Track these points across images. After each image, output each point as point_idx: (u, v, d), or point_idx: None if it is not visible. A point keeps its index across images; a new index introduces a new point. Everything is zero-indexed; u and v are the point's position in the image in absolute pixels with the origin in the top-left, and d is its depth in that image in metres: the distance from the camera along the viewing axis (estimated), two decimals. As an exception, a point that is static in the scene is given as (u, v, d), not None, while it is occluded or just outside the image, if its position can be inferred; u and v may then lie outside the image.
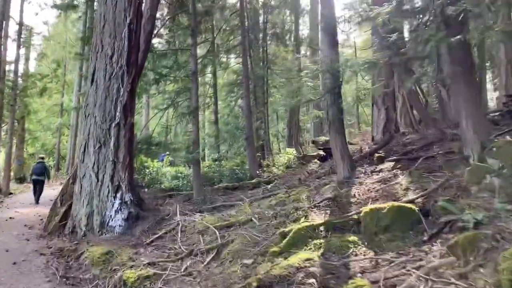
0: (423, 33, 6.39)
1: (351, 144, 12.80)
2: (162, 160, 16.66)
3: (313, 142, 12.68)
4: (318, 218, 6.39)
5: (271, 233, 6.27)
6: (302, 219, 6.47)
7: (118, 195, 8.38)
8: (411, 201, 5.60)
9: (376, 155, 9.29)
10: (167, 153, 16.86)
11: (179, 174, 16.11)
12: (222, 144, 20.00)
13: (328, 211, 6.60)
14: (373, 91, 12.34)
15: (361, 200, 6.60)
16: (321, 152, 16.19)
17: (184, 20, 15.30)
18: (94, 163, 8.42)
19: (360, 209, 5.70)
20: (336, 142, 8.23)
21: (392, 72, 12.65)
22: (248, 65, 17.46)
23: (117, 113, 8.57)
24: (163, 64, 13.84)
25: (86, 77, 14.95)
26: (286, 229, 5.81)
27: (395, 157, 8.55)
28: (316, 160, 14.32)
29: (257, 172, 15.69)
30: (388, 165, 8.22)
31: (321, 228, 5.64)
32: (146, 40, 9.42)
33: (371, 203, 6.16)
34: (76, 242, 7.75)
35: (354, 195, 6.95)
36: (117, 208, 8.27)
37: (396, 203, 5.42)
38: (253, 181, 14.90)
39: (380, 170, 8.02)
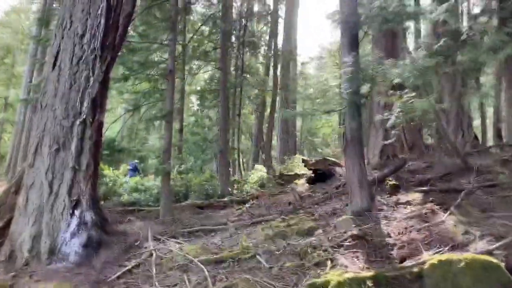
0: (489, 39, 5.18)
1: (340, 166, 11.51)
2: (134, 170, 14.61)
3: (303, 161, 11.28)
4: (350, 263, 4.91)
5: (291, 283, 4.68)
6: (329, 264, 4.96)
7: (77, 212, 6.50)
8: (489, 252, 4.24)
9: (389, 182, 8.01)
10: (137, 161, 14.85)
11: (140, 186, 14.16)
12: (188, 155, 18.22)
13: (360, 255, 5.13)
14: (372, 109, 11.18)
15: (402, 242, 5.19)
16: (307, 172, 14.89)
17: (159, 14, 13.58)
18: (48, 169, 6.51)
19: (420, 259, 4.28)
20: (354, 165, 6.84)
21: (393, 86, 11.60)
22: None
23: (84, 108, 6.74)
24: (135, 60, 12.03)
25: (43, 63, 12.79)
26: (318, 281, 4.28)
27: (424, 188, 7.26)
28: (299, 181, 12.93)
29: (229, 189, 14.07)
30: (414, 196, 6.92)
31: (369, 283, 4.14)
32: (123, 24, 7.66)
33: (422, 248, 4.76)
34: (13, 274, 5.76)
35: (388, 233, 5.54)
36: (74, 229, 6.38)
37: (476, 256, 4.04)
38: (225, 199, 13.33)
39: (407, 203, 6.71)
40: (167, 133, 11.11)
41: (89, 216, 6.58)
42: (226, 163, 14.59)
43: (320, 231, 6.62)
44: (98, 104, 6.95)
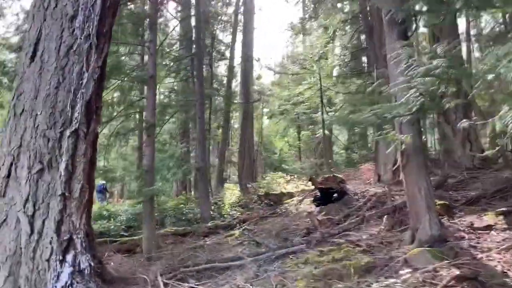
0: None
1: (344, 182, 10.30)
2: (103, 193, 12.40)
3: (310, 179, 9.96)
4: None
5: None
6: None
7: (69, 257, 4.69)
8: None
9: (437, 202, 6.89)
10: (104, 182, 12.72)
11: (104, 213, 12.14)
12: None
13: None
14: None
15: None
16: (294, 191, 13.63)
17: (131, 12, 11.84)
18: (28, 198, 4.68)
19: None
20: (419, 185, 5.61)
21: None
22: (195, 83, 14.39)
23: (76, 114, 4.98)
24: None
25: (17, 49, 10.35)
26: None
27: (503, 209, 6.15)
28: (294, 201, 11.62)
29: (210, 213, 12.43)
30: (493, 219, 5.79)
31: None
32: (111, 7, 5.94)
33: None
34: None
35: (504, 272, 4.32)
36: (67, 283, 4.57)
37: None
38: (209, 224, 11.72)
39: (488, 227, 5.56)
40: (149, 149, 9.35)
41: (85, 261, 4.78)
42: (206, 182, 12.92)
43: (385, 268, 5.28)
44: (93, 109, 5.21)
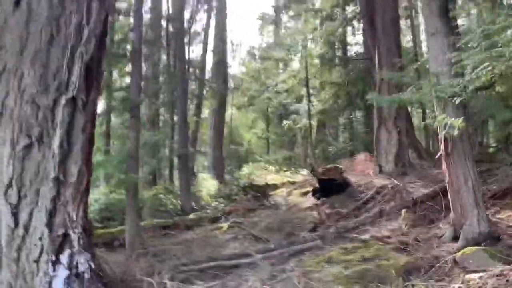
0: None
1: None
2: None
3: (312, 169, 9.23)
4: None
5: None
6: None
7: (64, 258, 3.70)
8: None
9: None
10: None
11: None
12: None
13: None
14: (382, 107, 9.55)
15: None
16: (279, 182, 12.91)
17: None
18: (11, 183, 3.64)
19: None
20: (466, 174, 4.99)
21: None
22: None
23: (73, 77, 3.95)
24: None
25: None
26: None
27: None
28: (285, 192, 10.89)
29: (192, 204, 11.50)
30: None
31: None
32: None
33: None
34: None
35: None
36: (62, 289, 3.59)
37: None
38: (192, 217, 10.83)
39: None
40: (134, 132, 8.30)
41: (84, 262, 3.80)
42: (187, 171, 11.93)
43: (432, 270, 4.63)
44: (94, 74, 4.19)
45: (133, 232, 7.94)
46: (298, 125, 16.81)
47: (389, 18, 9.73)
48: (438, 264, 4.67)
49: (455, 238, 5.10)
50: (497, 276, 3.95)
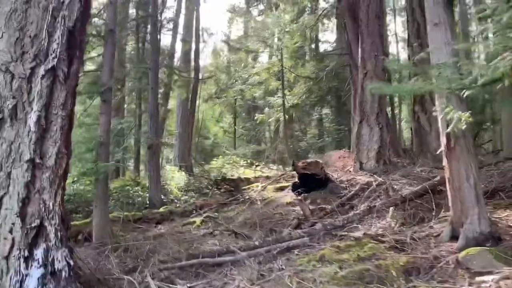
0: None
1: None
2: None
3: (293, 163, 8.89)
4: None
5: None
6: None
7: (39, 253, 3.18)
8: None
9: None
10: None
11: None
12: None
13: None
14: (364, 102, 9.36)
15: None
16: (251, 176, 12.59)
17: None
18: (-22, 163, 3.08)
19: None
20: (468, 171, 4.79)
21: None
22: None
23: (54, 45, 3.42)
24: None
25: None
26: None
27: None
28: (260, 187, 10.55)
29: (161, 197, 10.96)
30: None
31: None
32: None
33: None
34: None
35: None
36: (36, 290, 3.07)
37: None
38: (162, 210, 10.33)
39: None
40: (105, 117, 7.70)
41: (62, 259, 3.29)
42: (157, 162, 11.35)
43: (434, 271, 4.40)
44: (77, 42, 3.65)
45: (102, 225, 7.37)
46: (270, 119, 16.52)
47: (374, 13, 9.57)
48: (439, 265, 4.44)
49: (453, 237, 4.91)
50: (510, 278, 3.75)
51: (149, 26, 15.17)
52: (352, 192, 7.64)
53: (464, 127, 4.40)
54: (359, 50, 9.83)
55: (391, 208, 6.51)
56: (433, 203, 6.24)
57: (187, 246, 6.97)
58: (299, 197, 8.21)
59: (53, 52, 3.39)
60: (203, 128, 30.27)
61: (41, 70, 3.33)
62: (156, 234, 8.18)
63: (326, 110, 17.43)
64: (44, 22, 3.36)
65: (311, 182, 8.47)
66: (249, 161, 14.91)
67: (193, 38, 18.70)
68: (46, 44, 3.36)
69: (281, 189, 10.56)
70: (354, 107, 11.78)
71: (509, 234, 4.74)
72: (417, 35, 10.79)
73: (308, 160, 8.89)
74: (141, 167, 17.66)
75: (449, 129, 4.51)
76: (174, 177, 14.21)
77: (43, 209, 3.26)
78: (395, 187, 7.32)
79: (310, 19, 14.16)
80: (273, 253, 5.63)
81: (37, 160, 3.26)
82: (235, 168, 14.34)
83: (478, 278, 3.84)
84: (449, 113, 4.48)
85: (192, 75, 17.27)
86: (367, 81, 9.35)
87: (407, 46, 11.16)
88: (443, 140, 4.95)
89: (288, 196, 8.92)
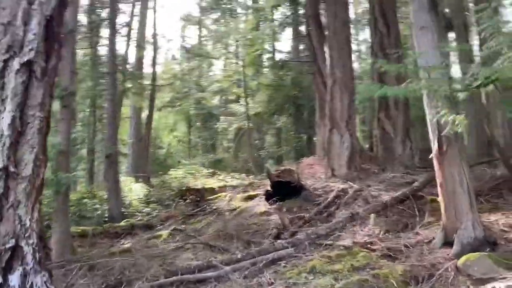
0: None
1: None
2: None
3: (267, 172, 8.57)
4: None
5: None
6: None
7: (15, 278, 2.68)
8: None
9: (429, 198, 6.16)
10: None
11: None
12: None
13: None
14: (334, 110, 9.29)
15: None
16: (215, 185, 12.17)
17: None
18: None
19: None
20: (461, 175, 4.73)
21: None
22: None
23: (30, 35, 2.96)
24: None
25: None
26: None
27: None
28: (228, 196, 10.18)
29: (121, 210, 10.36)
30: None
31: None
32: None
33: None
34: None
35: None
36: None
37: None
38: (123, 224, 9.75)
39: None
40: (66, 124, 7.09)
41: (41, 284, 2.81)
42: (116, 172, 10.69)
43: (433, 279, 4.27)
44: (56, 34, 3.20)
45: (63, 241, 6.75)
46: (231, 128, 16.19)
47: (341, 21, 9.58)
48: (438, 272, 4.31)
49: (446, 243, 4.82)
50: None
51: (103, 31, 14.49)
52: (329, 199, 7.47)
53: (460, 130, 4.32)
54: (328, 57, 9.78)
55: (372, 215, 6.37)
56: (416, 209, 6.17)
57: (160, 261, 6.50)
58: (274, 206, 7.96)
59: (29, 43, 2.93)
60: (156, 137, 29.40)
61: (16, 64, 2.86)
62: (122, 250, 7.59)
63: (284, 119, 17.35)
64: (19, 8, 2.90)
65: (284, 190, 8.22)
66: (211, 170, 14.45)
67: (147, 44, 18.09)
68: (21, 34, 2.89)
69: (250, 198, 10.23)
70: (320, 115, 11.73)
71: (503, 238, 4.71)
72: (380, 45, 10.90)
73: (282, 168, 8.67)
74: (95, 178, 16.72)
75: (444, 132, 4.42)
76: (132, 189, 13.52)
77: (18, 227, 2.77)
78: (373, 193, 7.22)
79: (272, 26, 14.06)
80: (259, 266, 5.31)
81: (11, 169, 2.77)
82: (197, 178, 13.84)
83: (482, 287, 3.72)
84: (444, 116, 4.37)
85: (146, 82, 16.64)
86: (336, 88, 9.30)
87: (371, 56, 11.26)
88: (434, 144, 4.87)
89: (261, 205, 8.61)
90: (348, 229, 6.28)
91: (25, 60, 2.89)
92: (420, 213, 6.08)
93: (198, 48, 19.95)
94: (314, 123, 19.89)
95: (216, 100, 19.01)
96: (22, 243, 2.76)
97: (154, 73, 16.06)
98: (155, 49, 16.55)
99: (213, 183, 12.97)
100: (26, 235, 2.80)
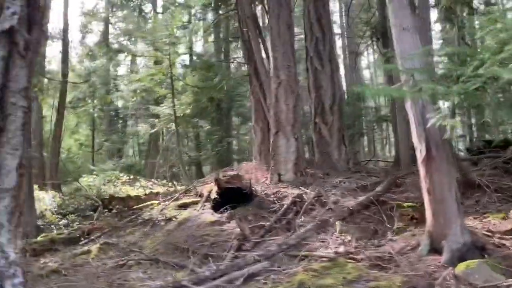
0: None
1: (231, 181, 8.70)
2: None
3: (216, 178, 7.87)
4: None
5: None
6: None
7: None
8: None
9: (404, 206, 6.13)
10: None
11: None
12: None
13: None
14: (279, 113, 9.01)
15: None
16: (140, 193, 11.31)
17: None
18: None
19: None
20: (450, 181, 4.67)
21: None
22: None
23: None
24: None
25: None
26: None
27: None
28: (160, 205, 9.40)
29: (37, 223, 9.07)
30: (504, 222, 5.23)
31: None
32: None
33: None
34: None
35: None
36: None
37: None
38: (40, 238, 8.62)
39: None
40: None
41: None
42: (31, 181, 9.21)
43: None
44: (38, 1, 2.39)
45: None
46: (152, 130, 15.15)
47: (285, 23, 9.37)
48: (437, 281, 4.15)
49: (433, 250, 4.73)
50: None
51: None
52: (285, 206, 7.12)
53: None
54: (271, 59, 9.51)
55: (338, 222, 6.16)
56: (383, 215, 6.08)
57: (105, 284, 5.62)
58: (226, 215, 7.41)
59: (11, 4, 2.12)
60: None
61: (-5, 31, 2.03)
62: (49, 271, 6.46)
63: (206, 122, 16.81)
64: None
65: (234, 197, 7.70)
66: (132, 177, 13.34)
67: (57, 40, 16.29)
68: (2, -10, 2.07)
69: (184, 206, 9.53)
70: (256, 118, 11.43)
71: (489, 243, 4.74)
72: (315, 49, 10.94)
73: (229, 173, 8.14)
74: None
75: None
76: (41, 198, 11.93)
77: (1, 261, 1.95)
78: (332, 199, 7.03)
79: (206, 25, 13.44)
80: (237, 284, 4.76)
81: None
82: (116, 186, 12.67)
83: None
84: (439, 121, 4.25)
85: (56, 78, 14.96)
86: (281, 91, 9.04)
87: (306, 59, 11.24)
88: (422, 150, 4.76)
89: (207, 213, 7.98)
90: (317, 237, 5.99)
91: (7, 27, 2.08)
92: (388, 219, 6.01)
93: (105, 45, 18.50)
94: (231, 126, 19.64)
95: (130, 102, 17.74)
96: (7, 284, 1.95)
97: (64, 69, 14.39)
98: (65, 45, 14.84)
99: (136, 190, 11.99)
100: (9, 272, 1.98)
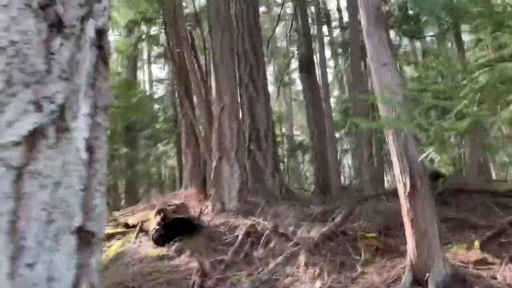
0: None
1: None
2: None
3: (161, 210, 7.08)
4: None
5: None
6: None
7: None
8: None
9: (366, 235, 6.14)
10: None
11: None
12: None
13: None
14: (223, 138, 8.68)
15: None
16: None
17: None
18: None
19: None
20: (432, 213, 4.81)
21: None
22: None
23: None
24: None
25: None
26: None
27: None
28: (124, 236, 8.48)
29: None
30: (471, 253, 5.44)
31: None
32: None
33: None
34: None
35: None
36: None
37: None
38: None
39: (483, 261, 5.19)
40: None
41: None
42: None
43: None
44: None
45: None
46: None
47: (228, 48, 9.19)
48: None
49: (416, 283, 4.78)
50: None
51: None
52: (240, 238, 6.78)
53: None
54: (213, 82, 9.23)
55: (303, 255, 6.00)
56: (348, 246, 6.06)
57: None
58: (174, 248, 6.82)
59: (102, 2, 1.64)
60: None
61: (90, 28, 1.54)
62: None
63: (119, 146, 15.68)
64: None
65: (179, 228, 7.14)
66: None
67: None
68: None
69: (108, 237, 8.68)
70: (186, 143, 10.92)
71: (468, 274, 4.92)
72: (250, 76, 10.94)
73: (174, 202, 7.55)
74: None
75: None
76: None
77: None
78: (290, 229, 6.86)
79: (129, 41, 12.59)
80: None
81: (88, 226, 1.43)
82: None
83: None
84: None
85: None
86: (225, 116, 8.77)
87: (239, 86, 11.13)
88: (406, 182, 4.85)
89: (148, 247, 7.27)
90: (285, 271, 5.73)
91: (100, 25, 1.60)
92: (353, 250, 6.00)
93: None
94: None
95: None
96: None
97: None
98: None
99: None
100: None
